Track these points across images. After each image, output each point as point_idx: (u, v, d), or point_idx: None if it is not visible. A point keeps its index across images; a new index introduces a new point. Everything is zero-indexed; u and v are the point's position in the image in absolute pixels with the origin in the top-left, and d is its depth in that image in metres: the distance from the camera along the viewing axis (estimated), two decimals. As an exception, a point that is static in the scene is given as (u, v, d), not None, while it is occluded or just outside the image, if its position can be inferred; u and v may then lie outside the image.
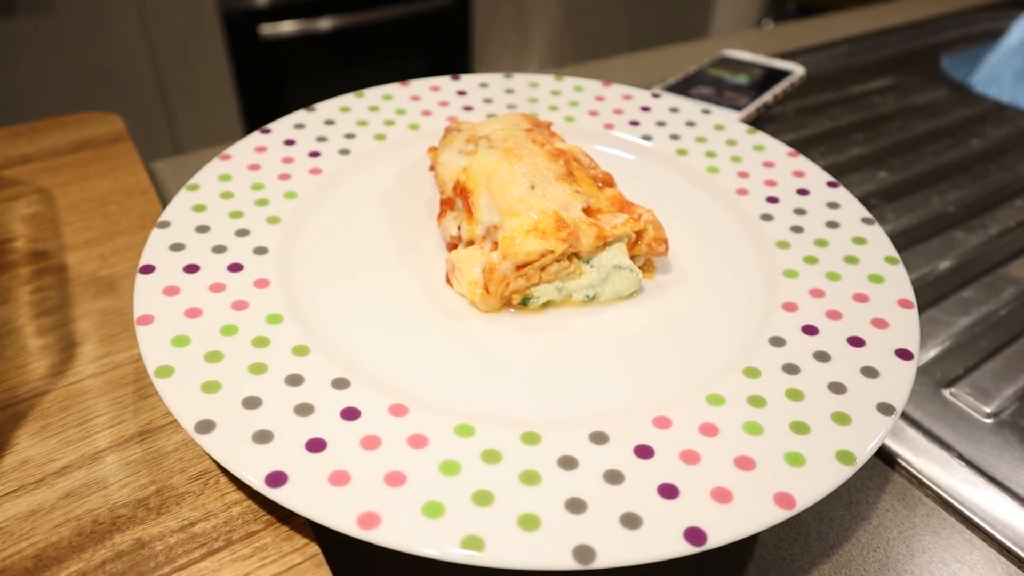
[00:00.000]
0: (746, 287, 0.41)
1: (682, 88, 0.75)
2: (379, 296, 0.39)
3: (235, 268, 0.39)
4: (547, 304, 0.40)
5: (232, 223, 0.42)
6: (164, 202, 0.55)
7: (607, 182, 0.44)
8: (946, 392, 0.45)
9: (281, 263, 0.40)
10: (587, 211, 0.40)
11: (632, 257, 0.41)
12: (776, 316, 0.38)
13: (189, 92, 1.53)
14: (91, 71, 1.52)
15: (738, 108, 0.71)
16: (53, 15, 1.47)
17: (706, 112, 0.55)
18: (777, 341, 0.37)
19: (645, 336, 0.38)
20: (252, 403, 0.31)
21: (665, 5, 2.26)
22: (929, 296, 0.53)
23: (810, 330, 0.37)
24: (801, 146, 0.71)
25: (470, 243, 0.40)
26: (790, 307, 0.39)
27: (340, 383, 0.33)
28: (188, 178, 0.58)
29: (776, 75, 0.79)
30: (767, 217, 0.46)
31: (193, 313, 0.36)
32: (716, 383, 0.35)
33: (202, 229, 0.41)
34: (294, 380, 0.33)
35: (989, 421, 0.43)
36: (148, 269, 0.38)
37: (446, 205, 0.43)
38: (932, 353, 0.48)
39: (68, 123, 0.61)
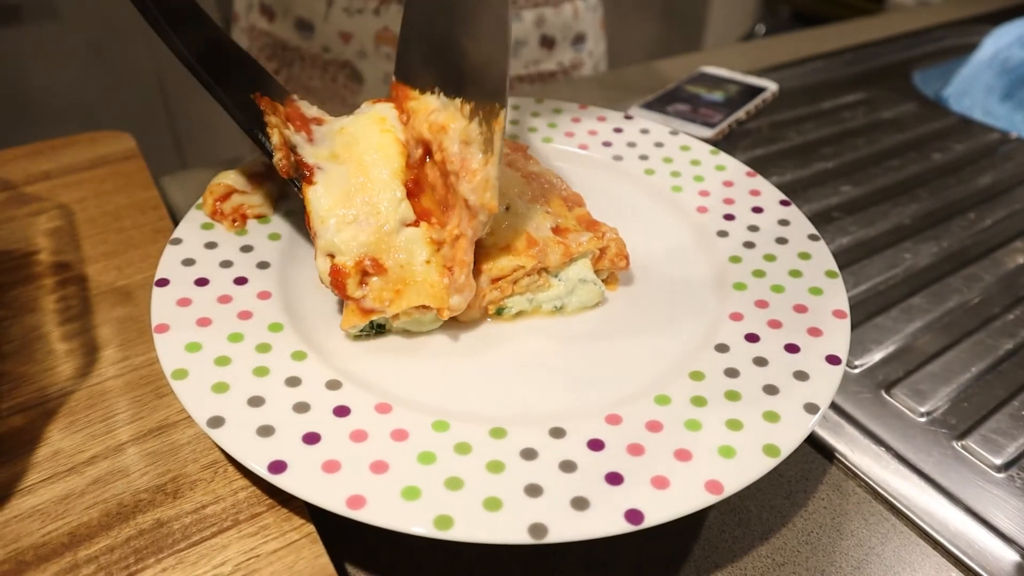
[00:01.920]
0: (699, 299, 0.46)
1: (660, 105, 0.79)
2: (369, 306, 0.44)
3: (240, 281, 0.43)
4: (519, 314, 0.44)
5: (237, 240, 0.47)
6: (173, 215, 0.59)
7: (576, 202, 0.49)
8: (886, 393, 0.50)
9: (281, 276, 0.45)
10: (556, 230, 0.44)
11: (596, 271, 0.45)
12: (723, 325, 0.43)
13: (192, 97, 1.58)
14: (95, 78, 1.56)
15: (711, 125, 0.75)
16: (58, 22, 1.52)
17: (674, 134, 0.60)
18: (722, 348, 0.41)
19: (605, 343, 0.43)
20: (256, 402, 0.36)
21: (660, 11, 2.30)
22: (879, 304, 0.58)
23: (752, 338, 0.42)
24: (771, 160, 0.76)
25: (451, 258, 0.45)
26: (736, 317, 0.44)
27: (333, 384, 0.38)
28: (194, 192, 0.63)
29: (751, 91, 0.83)
30: (723, 234, 0.50)
31: (204, 322, 0.40)
32: (665, 385, 0.39)
33: (210, 245, 0.46)
34: (293, 382, 0.38)
35: (922, 420, 0.48)
36: (163, 282, 0.43)
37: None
38: (877, 357, 0.53)
39: (83, 141, 0.65)
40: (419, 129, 0.41)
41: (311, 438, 0.34)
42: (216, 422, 0.35)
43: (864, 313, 0.56)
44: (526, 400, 0.39)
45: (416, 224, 0.41)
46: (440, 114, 0.40)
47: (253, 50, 0.90)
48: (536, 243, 0.43)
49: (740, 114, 0.78)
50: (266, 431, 0.35)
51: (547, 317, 0.45)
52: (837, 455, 0.45)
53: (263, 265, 0.45)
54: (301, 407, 0.36)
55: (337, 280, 0.40)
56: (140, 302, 0.48)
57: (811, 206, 0.69)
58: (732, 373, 0.40)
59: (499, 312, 0.44)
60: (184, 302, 0.41)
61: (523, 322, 0.44)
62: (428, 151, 0.41)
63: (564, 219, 0.45)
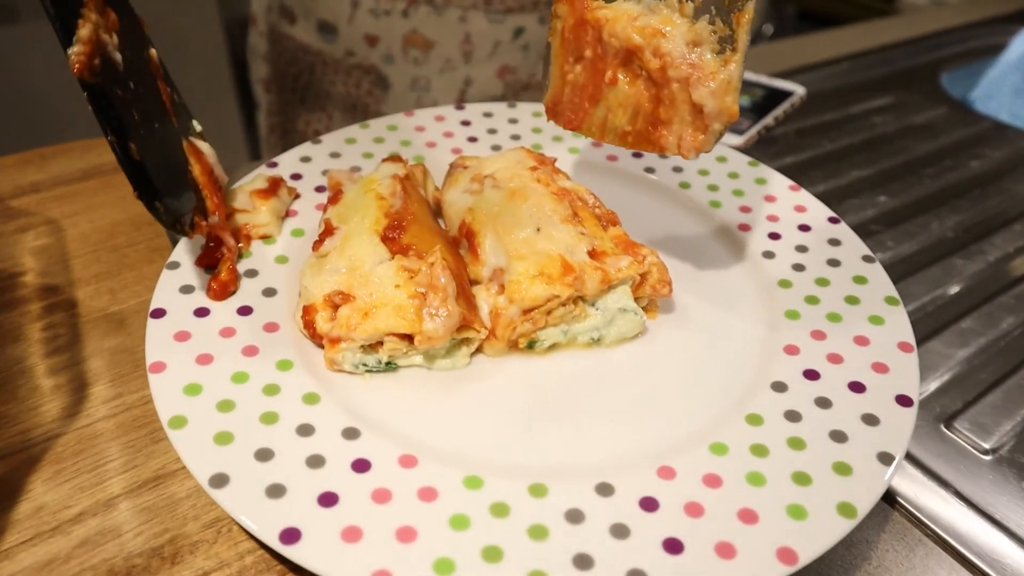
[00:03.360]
0: (748, 328, 0.42)
1: (684, 110, 0.75)
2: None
3: (244, 311, 0.39)
4: (553, 347, 0.40)
5: (241, 263, 0.42)
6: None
7: (611, 221, 0.44)
8: (945, 428, 0.46)
9: (290, 304, 0.41)
10: (592, 254, 0.40)
11: (636, 298, 0.41)
12: (778, 360, 0.39)
13: (191, 101, 1.53)
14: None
15: (739, 132, 0.71)
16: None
17: (708, 143, 0.56)
18: (779, 386, 0.37)
19: (648, 380, 0.39)
20: (264, 455, 0.32)
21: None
22: (929, 327, 0.54)
23: (811, 375, 0.38)
24: (801, 169, 0.72)
25: (474, 283, 0.41)
26: (791, 350, 0.40)
27: (350, 433, 0.34)
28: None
29: (777, 95, 0.79)
30: (769, 254, 0.46)
31: (204, 359, 0.36)
32: (719, 430, 0.35)
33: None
34: (305, 430, 0.33)
35: (988, 457, 0.44)
36: (159, 313, 0.38)
37: (453, 244, 0.44)
38: (932, 387, 0.49)
39: (76, 149, 0.61)
40: (622, 37, 0.36)
41: (327, 499, 0.30)
42: (220, 480, 0.31)
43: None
44: (566, 449, 0.35)
45: (392, 259, 0.39)
46: (650, 18, 0.36)
47: (272, 54, 0.86)
48: (572, 269, 0.39)
49: (768, 120, 0.74)
50: (276, 491, 0.31)
51: (583, 350, 0.40)
52: (899, 499, 0.41)
53: (269, 292, 0.41)
54: (315, 461, 0.32)
55: (307, 319, 0.38)
56: (135, 330, 0.44)
57: (847, 219, 0.65)
58: (793, 416, 0.36)
59: (531, 345, 0.40)
60: (182, 336, 0.37)
61: (557, 356, 0.40)
62: (627, 61, 0.37)
63: (600, 241, 0.41)
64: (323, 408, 0.35)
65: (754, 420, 0.36)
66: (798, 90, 0.81)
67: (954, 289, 0.58)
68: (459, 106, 0.57)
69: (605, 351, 0.41)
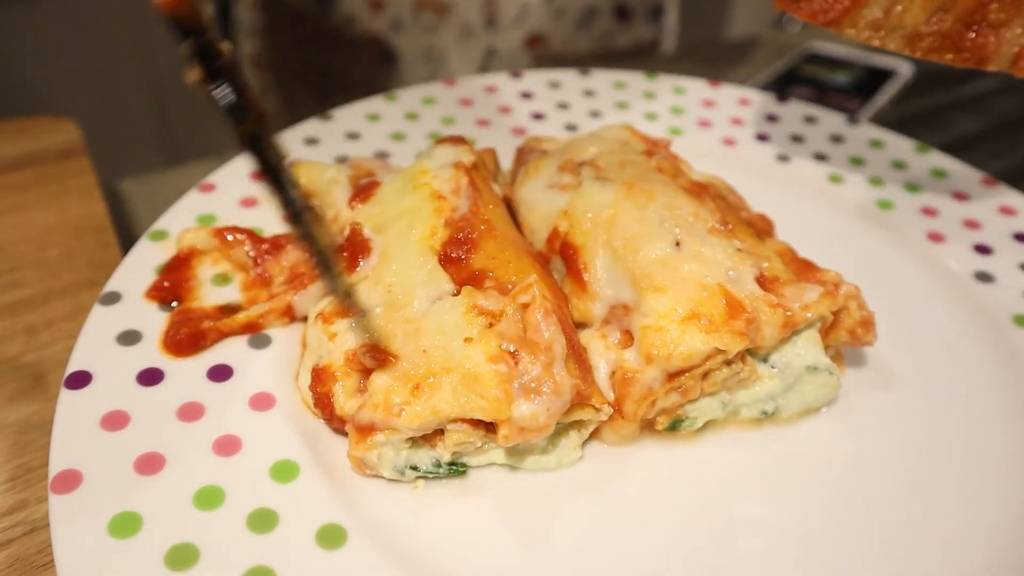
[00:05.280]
0: (988, 390, 0.28)
1: (776, 89, 0.61)
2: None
3: (219, 375, 0.25)
4: (705, 426, 0.26)
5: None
6: (131, 241, 0.41)
7: (765, 230, 0.30)
8: None
9: (291, 363, 0.26)
10: (761, 281, 0.26)
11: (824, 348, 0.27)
12: (1063, 448, 0.25)
13: (170, 79, 1.39)
14: (75, 62, 1.39)
15: (851, 113, 0.57)
16: (35, 3, 1.35)
17: (853, 124, 0.42)
18: (1085, 498, 0.23)
19: (865, 483, 0.25)
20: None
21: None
22: None
23: None
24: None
25: (580, 326, 0.27)
26: (1079, 433, 0.25)
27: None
28: (165, 206, 0.43)
29: (878, 74, 0.66)
30: (984, 277, 0.32)
31: (149, 464, 0.22)
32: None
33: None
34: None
35: None
36: (80, 380, 0.24)
37: (542, 265, 0.29)
38: None
39: (8, 130, 0.47)
40: None
41: None
42: None
43: None
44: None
45: (457, 293, 0.25)
46: None
47: (258, 25, 0.72)
48: (743, 308, 0.24)
49: (881, 101, 0.60)
50: None
51: (748, 429, 0.26)
52: None
53: (260, 343, 0.26)
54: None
55: (320, 392, 0.24)
56: (57, 392, 0.29)
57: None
58: None
59: (673, 426, 0.25)
60: (115, 421, 0.23)
61: (710, 440, 0.26)
62: None
63: (769, 262, 0.27)
64: (354, 552, 0.20)
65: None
66: (901, 67, 0.67)
67: None
68: (515, 73, 0.43)
69: (783, 431, 0.26)
